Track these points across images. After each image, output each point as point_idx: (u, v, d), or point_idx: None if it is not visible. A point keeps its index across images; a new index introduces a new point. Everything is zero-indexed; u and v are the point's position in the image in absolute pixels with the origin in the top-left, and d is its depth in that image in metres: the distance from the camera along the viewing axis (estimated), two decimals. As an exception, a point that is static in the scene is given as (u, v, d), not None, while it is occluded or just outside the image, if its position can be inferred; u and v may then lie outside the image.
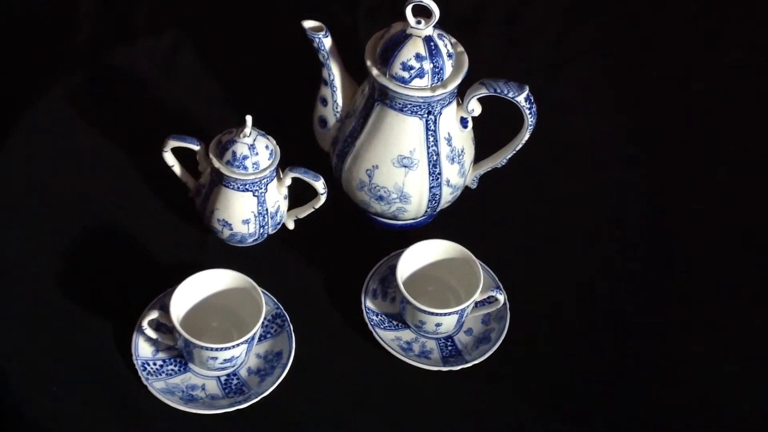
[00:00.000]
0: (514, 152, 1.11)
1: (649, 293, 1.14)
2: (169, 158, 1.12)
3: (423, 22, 1.03)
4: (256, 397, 1.01)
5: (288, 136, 1.14)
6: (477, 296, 1.05)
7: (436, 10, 1.02)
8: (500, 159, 1.13)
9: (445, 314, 1.04)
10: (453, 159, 1.11)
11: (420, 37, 1.03)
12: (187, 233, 1.15)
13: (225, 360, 1.00)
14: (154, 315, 1.00)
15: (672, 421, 1.04)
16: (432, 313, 1.04)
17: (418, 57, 1.03)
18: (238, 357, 1.01)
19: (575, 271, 1.15)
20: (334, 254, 1.15)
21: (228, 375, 1.03)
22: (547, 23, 1.39)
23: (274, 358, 1.05)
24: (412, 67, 1.03)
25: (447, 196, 1.13)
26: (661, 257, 1.17)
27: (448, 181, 1.12)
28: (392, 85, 1.04)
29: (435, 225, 1.18)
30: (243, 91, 1.29)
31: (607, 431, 1.03)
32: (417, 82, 1.04)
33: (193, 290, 1.03)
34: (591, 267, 1.16)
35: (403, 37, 1.04)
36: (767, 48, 1.38)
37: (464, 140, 1.12)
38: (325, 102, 1.13)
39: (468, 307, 1.05)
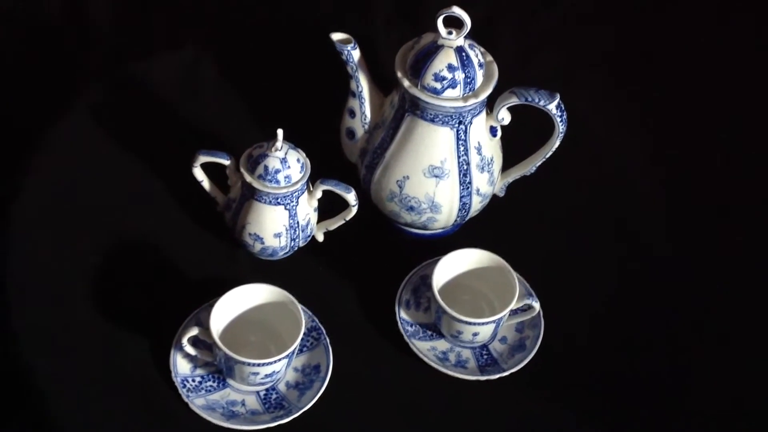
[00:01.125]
0: (544, 159, 1.12)
1: (677, 294, 1.14)
2: (199, 173, 1.12)
3: (454, 32, 1.04)
4: (297, 412, 1.01)
5: (312, 148, 1.13)
6: (513, 304, 1.05)
7: (467, 21, 1.02)
8: (530, 167, 1.13)
9: (482, 323, 1.04)
10: (483, 168, 1.11)
11: (451, 47, 1.04)
12: (217, 248, 1.15)
13: (266, 375, 1.00)
14: (193, 332, 1.00)
15: (717, 426, 1.04)
16: (470, 323, 1.04)
17: (450, 68, 1.03)
18: (278, 372, 1.01)
19: (604, 275, 1.16)
20: (364, 265, 1.15)
21: (267, 390, 1.03)
22: (558, 31, 1.40)
23: (312, 372, 1.05)
24: (444, 78, 1.04)
25: (476, 205, 1.14)
26: (689, 258, 1.18)
27: (478, 190, 1.12)
28: (424, 96, 1.05)
29: (462, 234, 1.18)
30: (264, 104, 1.28)
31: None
32: (449, 93, 1.04)
33: (231, 305, 1.03)
34: (619, 270, 1.17)
35: (435, 48, 1.04)
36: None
37: (493, 149, 1.12)
38: (353, 114, 1.13)
39: (505, 315, 1.05)
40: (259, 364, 0.98)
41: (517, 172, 1.14)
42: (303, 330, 1.00)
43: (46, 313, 1.05)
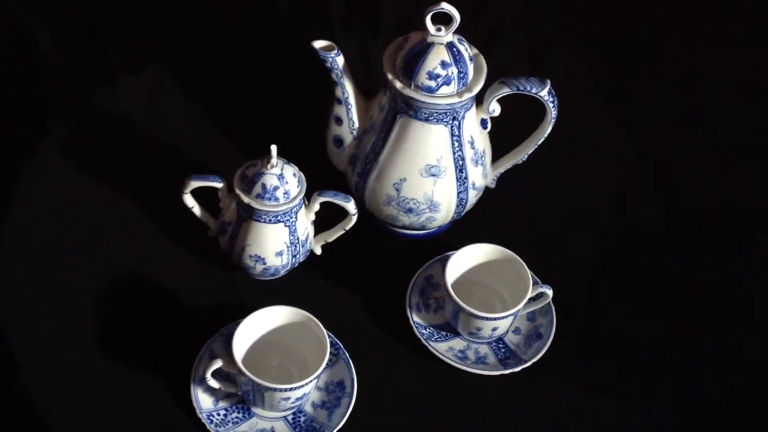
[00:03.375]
0: (536, 147, 1.12)
1: (676, 271, 1.16)
2: (189, 200, 1.08)
3: (443, 28, 1.02)
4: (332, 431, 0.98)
5: (295, 161, 1.10)
6: (530, 293, 1.05)
7: (456, 15, 1.01)
8: (521, 155, 1.13)
9: (502, 317, 1.04)
10: (477, 162, 1.10)
11: (442, 44, 1.02)
12: (214, 274, 1.11)
13: (297, 399, 0.97)
14: (217, 364, 0.96)
15: (740, 404, 1.06)
16: (490, 318, 1.03)
17: (443, 64, 1.02)
18: (308, 394, 0.98)
19: (602, 257, 1.17)
20: (365, 273, 1.13)
21: (294, 413, 1.00)
22: (518, 17, 1.40)
23: (337, 389, 1.02)
24: (438, 76, 1.02)
25: (472, 200, 1.13)
26: (681, 234, 1.20)
27: (473, 184, 1.11)
28: (419, 96, 1.03)
29: (455, 229, 1.17)
30: (236, 121, 1.25)
31: (676, 408, 1.04)
32: (444, 90, 1.03)
33: (249, 332, 0.99)
34: (616, 250, 1.18)
35: (425, 47, 1.02)
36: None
37: (484, 141, 1.12)
38: (339, 121, 1.10)
39: (521, 306, 1.05)
40: (290, 389, 0.95)
41: (508, 162, 1.14)
42: (329, 347, 0.97)
43: (49, 356, 1.00)
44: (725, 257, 1.18)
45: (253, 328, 0.99)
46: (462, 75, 1.03)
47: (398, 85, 1.04)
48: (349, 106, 1.09)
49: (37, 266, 1.07)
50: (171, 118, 1.23)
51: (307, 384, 0.95)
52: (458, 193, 1.10)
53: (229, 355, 0.96)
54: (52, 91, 1.21)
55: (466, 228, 1.17)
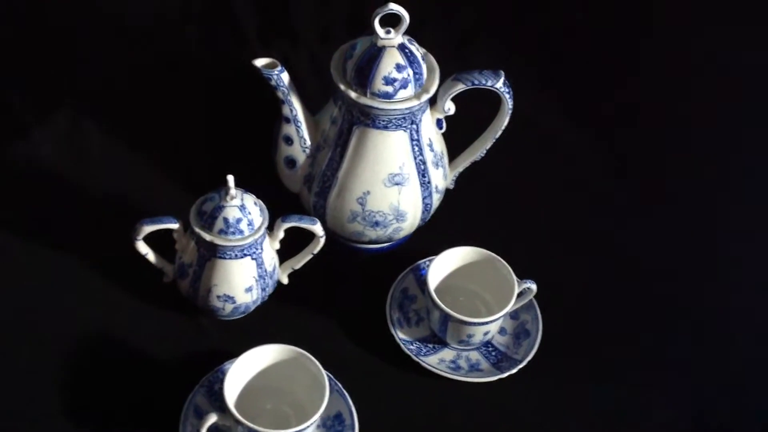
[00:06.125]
0: (495, 140, 1.08)
1: (651, 247, 1.15)
2: (142, 246, 1.00)
3: (392, 30, 0.98)
4: (341, 469, 0.93)
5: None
6: (517, 291, 1.01)
7: (406, 16, 0.96)
8: (479, 151, 1.09)
9: (494, 320, 1.00)
10: (437, 164, 1.06)
11: (393, 46, 0.98)
12: (177, 321, 1.03)
13: (302, 442, 0.90)
14: (212, 419, 0.88)
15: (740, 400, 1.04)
16: (482, 323, 0.99)
17: (398, 68, 0.97)
18: (312, 434, 0.92)
19: (568, 247, 1.14)
20: (337, 296, 1.07)
21: (296, 456, 0.94)
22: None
23: (335, 422, 0.96)
24: (395, 80, 0.97)
25: (435, 204, 1.09)
26: (643, 215, 1.19)
27: (436, 188, 1.07)
28: (377, 103, 0.98)
29: (419, 237, 1.13)
30: (164, 154, 1.17)
31: (676, 386, 1.03)
32: (402, 94, 0.98)
33: (238, 378, 0.92)
34: (583, 237, 1.16)
35: (377, 51, 0.97)
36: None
37: (441, 142, 1.07)
38: (289, 140, 1.04)
39: (512, 304, 1.01)
40: (297, 432, 0.88)
41: (466, 160, 1.10)
42: (327, 383, 0.91)
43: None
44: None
45: (241, 373, 0.92)
46: (418, 76, 0.99)
47: (353, 95, 0.98)
48: (299, 124, 1.03)
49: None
50: (96, 160, 1.14)
51: (310, 425, 0.89)
52: (423, 198, 1.06)
53: (218, 407, 0.89)
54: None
55: (429, 234, 1.13)
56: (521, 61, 1.31)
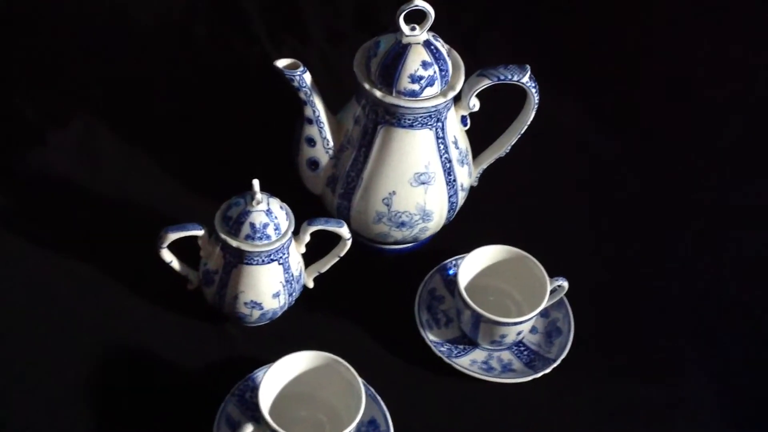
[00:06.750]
0: (519, 136, 1.06)
1: (674, 241, 1.14)
2: (167, 254, 0.98)
3: (417, 27, 0.96)
4: (379, 476, 0.91)
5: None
6: (549, 288, 0.99)
7: (431, 11, 0.94)
8: (504, 148, 1.07)
9: (527, 320, 0.98)
10: (462, 161, 1.04)
11: (419, 43, 0.96)
12: (203, 330, 1.01)
13: (339, 450, 0.88)
14: (249, 429, 0.86)
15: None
16: (516, 323, 0.98)
17: (425, 65, 0.95)
18: (349, 442, 0.90)
19: (595, 243, 1.13)
20: (363, 299, 1.05)
21: (333, 465, 0.92)
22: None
23: (369, 428, 0.94)
24: (421, 77, 0.95)
25: (461, 202, 1.07)
26: (657, 200, 1.17)
27: (462, 186, 1.05)
28: (403, 102, 0.96)
29: (443, 236, 1.11)
30: (182, 159, 1.15)
31: (714, 383, 1.01)
32: (428, 92, 0.96)
33: (272, 385, 0.90)
34: (603, 235, 1.14)
35: (402, 49, 0.95)
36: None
37: (465, 139, 1.06)
38: (312, 142, 1.02)
39: (545, 303, 0.99)
40: (334, 441, 0.87)
41: (491, 156, 1.08)
42: (363, 390, 0.89)
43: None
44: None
45: (275, 381, 0.90)
46: (444, 73, 0.97)
47: (378, 94, 0.96)
48: (322, 125, 1.01)
49: (16, 357, 0.95)
50: (114, 168, 1.12)
51: (348, 432, 0.87)
52: (449, 197, 1.04)
53: (250, 417, 0.87)
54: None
55: (452, 232, 1.11)
56: (538, 56, 1.29)
